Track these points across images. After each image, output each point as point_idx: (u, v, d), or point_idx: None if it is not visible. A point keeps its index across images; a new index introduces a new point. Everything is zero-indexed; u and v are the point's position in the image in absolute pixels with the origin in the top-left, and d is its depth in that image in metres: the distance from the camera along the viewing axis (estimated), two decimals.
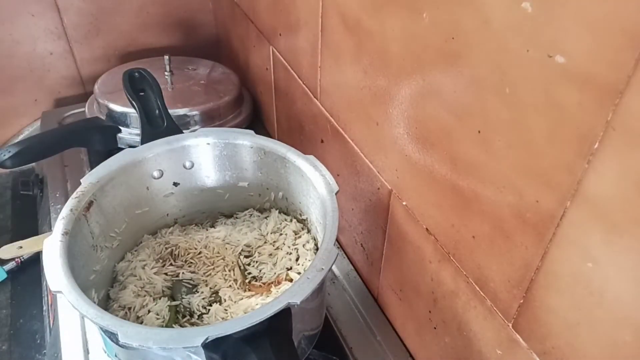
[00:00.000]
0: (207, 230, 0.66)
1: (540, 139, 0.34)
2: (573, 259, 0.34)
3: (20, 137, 1.04)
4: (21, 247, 0.76)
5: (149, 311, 0.55)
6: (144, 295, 0.57)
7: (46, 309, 0.75)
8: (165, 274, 0.60)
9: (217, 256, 0.62)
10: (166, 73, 0.92)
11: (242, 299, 0.57)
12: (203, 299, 0.57)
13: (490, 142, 0.39)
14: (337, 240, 0.56)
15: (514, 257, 0.40)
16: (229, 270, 0.61)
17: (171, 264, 0.61)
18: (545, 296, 0.38)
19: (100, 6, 0.99)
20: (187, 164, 0.64)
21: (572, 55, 0.30)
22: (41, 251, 0.49)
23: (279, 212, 0.67)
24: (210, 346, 0.42)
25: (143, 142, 0.63)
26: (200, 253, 0.63)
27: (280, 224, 0.66)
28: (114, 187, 0.58)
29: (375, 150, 0.57)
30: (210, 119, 0.88)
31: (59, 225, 0.51)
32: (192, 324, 0.56)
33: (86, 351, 0.62)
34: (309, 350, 0.58)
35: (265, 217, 0.67)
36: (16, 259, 0.80)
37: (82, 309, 0.44)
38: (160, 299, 0.57)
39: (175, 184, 0.65)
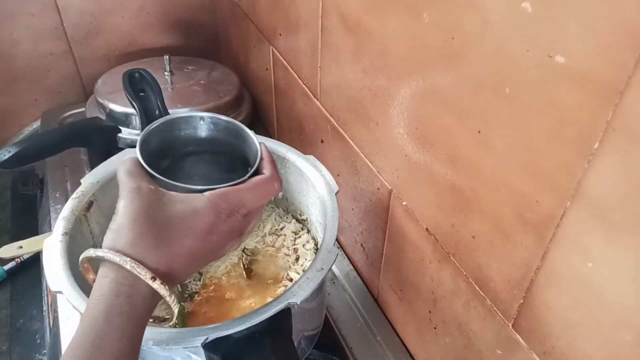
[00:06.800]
0: None
1: (540, 139, 0.34)
2: (573, 259, 0.34)
3: (20, 137, 1.04)
4: (21, 247, 0.76)
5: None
6: None
7: (46, 309, 0.75)
8: None
9: None
10: (166, 73, 0.92)
11: (242, 298, 0.57)
12: (204, 297, 0.57)
13: (490, 142, 0.39)
14: (337, 240, 0.56)
15: (514, 257, 0.40)
16: (231, 269, 0.61)
17: None
18: (545, 296, 0.38)
19: (100, 6, 0.99)
20: None
21: (572, 55, 0.30)
22: (41, 251, 0.49)
23: (279, 213, 0.67)
24: (210, 346, 0.42)
25: None
26: None
27: (280, 224, 0.66)
28: (114, 187, 0.58)
29: (375, 150, 0.57)
30: None
31: (59, 225, 0.51)
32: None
33: None
34: (309, 350, 0.58)
35: (265, 218, 0.67)
36: (16, 259, 0.80)
37: (82, 309, 0.44)
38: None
39: None
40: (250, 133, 0.45)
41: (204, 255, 0.38)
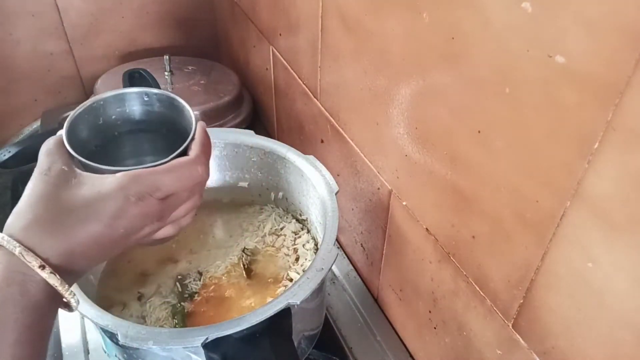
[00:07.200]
0: (207, 229, 0.66)
1: (540, 139, 0.34)
2: (573, 259, 0.34)
3: (20, 137, 1.04)
4: None
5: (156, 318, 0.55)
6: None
7: None
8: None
9: (218, 255, 0.62)
10: (166, 73, 0.92)
11: (242, 298, 0.57)
12: (204, 297, 0.57)
13: (490, 142, 0.39)
14: (337, 240, 0.56)
15: (514, 257, 0.40)
16: (231, 269, 0.61)
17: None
18: (545, 296, 0.38)
19: (100, 6, 0.99)
20: None
21: (572, 55, 0.30)
22: None
23: (279, 213, 0.67)
24: (210, 346, 0.42)
25: None
26: (201, 253, 0.63)
27: (280, 224, 0.66)
28: None
29: (375, 150, 0.57)
30: (210, 119, 0.88)
31: None
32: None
33: (86, 351, 0.62)
34: (309, 350, 0.58)
35: (265, 218, 0.67)
36: None
37: (82, 309, 0.44)
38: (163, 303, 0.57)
39: None
40: (189, 111, 0.41)
41: (112, 241, 0.35)
